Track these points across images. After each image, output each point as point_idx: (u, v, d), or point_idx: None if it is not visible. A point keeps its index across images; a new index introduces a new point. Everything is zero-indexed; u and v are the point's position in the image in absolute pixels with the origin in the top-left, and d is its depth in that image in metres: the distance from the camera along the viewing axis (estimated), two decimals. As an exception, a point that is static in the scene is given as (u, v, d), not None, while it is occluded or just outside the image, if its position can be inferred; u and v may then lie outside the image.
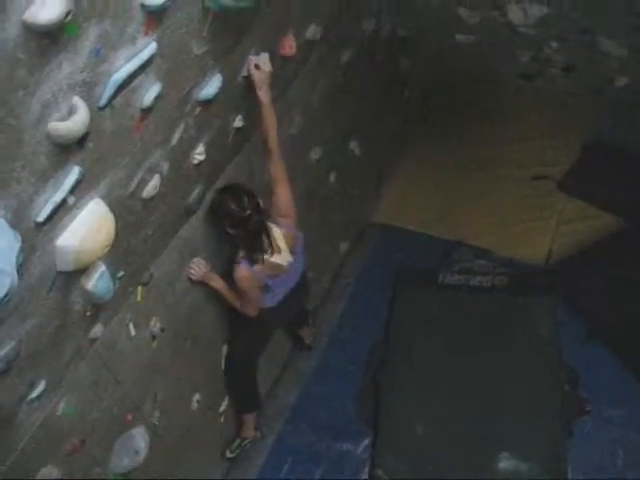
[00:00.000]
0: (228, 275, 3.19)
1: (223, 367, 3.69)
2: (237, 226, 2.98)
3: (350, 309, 4.78)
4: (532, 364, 4.11)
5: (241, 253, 3.09)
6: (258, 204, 3.00)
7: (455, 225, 5.01)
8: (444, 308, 4.51)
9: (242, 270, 3.07)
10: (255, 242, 3.06)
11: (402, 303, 4.62)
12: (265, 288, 3.25)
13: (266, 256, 3.09)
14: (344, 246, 4.95)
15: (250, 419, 3.95)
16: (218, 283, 3.22)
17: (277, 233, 3.15)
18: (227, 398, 3.82)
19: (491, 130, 5.40)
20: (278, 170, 3.13)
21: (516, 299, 4.47)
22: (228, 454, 3.98)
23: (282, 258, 3.17)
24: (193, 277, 3.13)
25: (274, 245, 3.11)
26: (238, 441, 3.99)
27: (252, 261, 3.07)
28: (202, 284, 3.21)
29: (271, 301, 3.37)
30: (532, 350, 4.18)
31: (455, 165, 5.33)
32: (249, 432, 3.98)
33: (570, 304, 4.44)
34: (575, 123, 5.21)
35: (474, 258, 4.81)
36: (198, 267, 3.12)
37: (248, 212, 2.94)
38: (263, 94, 2.89)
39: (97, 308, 2.46)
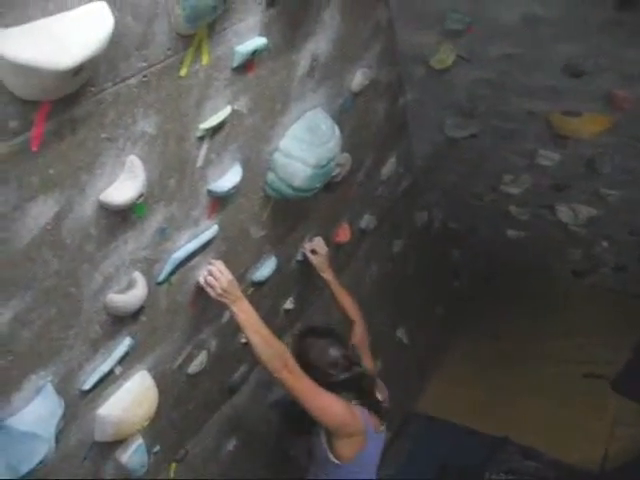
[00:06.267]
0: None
1: None
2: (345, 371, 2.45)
3: (390, 504, 4.52)
4: None
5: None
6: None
7: (502, 421, 4.81)
8: (490, 511, 4.24)
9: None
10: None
11: (445, 502, 4.37)
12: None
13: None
14: (386, 436, 4.78)
15: None
16: (245, 309, 2.22)
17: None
18: None
19: (541, 325, 5.34)
20: (363, 340, 2.82)
21: (568, 507, 4.19)
22: None
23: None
24: (211, 291, 2.15)
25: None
26: None
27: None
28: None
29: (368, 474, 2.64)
30: None
31: (503, 358, 5.23)
32: None
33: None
34: (627, 321, 5.11)
35: (522, 458, 4.57)
36: (220, 272, 2.16)
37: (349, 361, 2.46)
38: (327, 275, 2.90)
39: (128, 482, 2.39)
